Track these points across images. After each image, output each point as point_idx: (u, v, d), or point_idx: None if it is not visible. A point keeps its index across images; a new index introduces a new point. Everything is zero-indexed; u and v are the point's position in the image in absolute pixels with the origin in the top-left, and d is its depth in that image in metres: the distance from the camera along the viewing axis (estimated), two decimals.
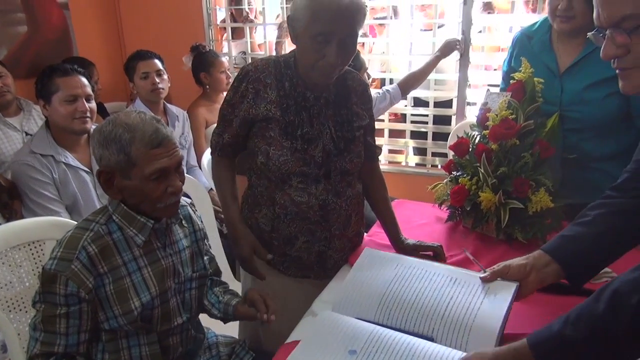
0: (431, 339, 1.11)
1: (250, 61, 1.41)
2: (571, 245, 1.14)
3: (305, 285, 1.50)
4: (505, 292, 1.15)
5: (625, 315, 0.82)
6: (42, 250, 1.51)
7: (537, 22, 1.81)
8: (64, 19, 3.25)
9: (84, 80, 1.99)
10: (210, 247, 1.50)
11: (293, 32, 1.35)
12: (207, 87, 3.05)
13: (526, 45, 1.81)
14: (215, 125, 1.54)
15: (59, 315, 1.17)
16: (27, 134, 2.55)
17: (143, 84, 2.75)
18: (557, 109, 1.66)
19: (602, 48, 0.92)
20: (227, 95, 1.48)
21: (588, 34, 0.99)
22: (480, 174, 1.58)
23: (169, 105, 2.88)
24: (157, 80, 2.74)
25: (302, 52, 1.37)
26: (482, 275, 1.20)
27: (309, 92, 1.42)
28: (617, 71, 0.93)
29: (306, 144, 1.40)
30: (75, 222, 1.58)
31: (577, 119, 1.66)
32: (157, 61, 2.78)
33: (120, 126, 1.18)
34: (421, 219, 1.78)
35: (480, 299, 1.16)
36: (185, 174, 1.51)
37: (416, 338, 1.09)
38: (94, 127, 2.05)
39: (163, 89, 2.77)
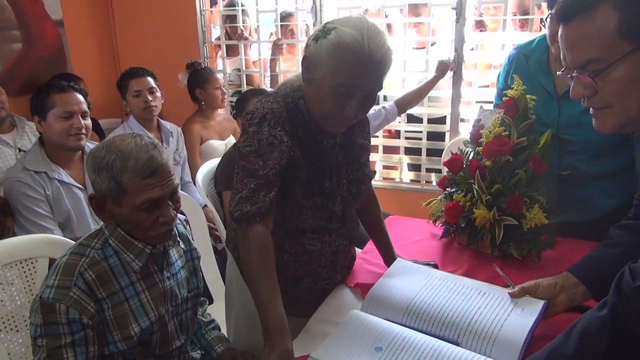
0: (456, 344, 1.13)
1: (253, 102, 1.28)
2: (596, 267, 1.16)
3: (304, 323, 1.38)
4: (534, 308, 1.18)
5: (594, 357, 0.84)
6: (34, 268, 1.50)
7: (534, 40, 1.79)
8: (59, 36, 3.26)
9: (80, 97, 2.00)
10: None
11: (308, 76, 1.20)
12: (203, 103, 3.07)
13: (523, 64, 1.78)
14: (235, 191, 1.21)
15: (64, 345, 1.12)
16: (20, 150, 2.54)
17: (135, 102, 2.74)
18: (555, 130, 1.66)
19: (571, 88, 0.94)
20: (245, 147, 1.20)
21: (558, 72, 1.01)
22: (475, 191, 1.59)
23: (162, 122, 2.88)
24: (150, 98, 2.74)
25: (316, 100, 1.21)
26: (510, 290, 1.23)
27: (322, 138, 1.28)
28: (590, 111, 0.95)
29: (326, 200, 1.29)
30: (68, 240, 1.58)
31: (574, 142, 1.66)
32: (149, 79, 2.78)
33: (114, 152, 1.15)
34: (415, 236, 1.78)
35: (507, 312, 1.19)
36: (179, 191, 1.44)
37: (442, 341, 1.12)
38: (88, 144, 2.05)
39: (156, 106, 2.77)
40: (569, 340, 0.88)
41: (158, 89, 2.80)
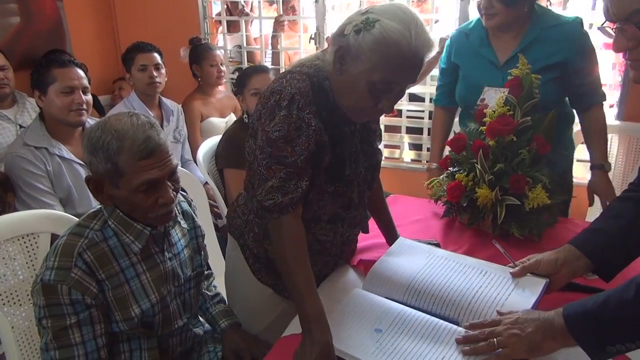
0: (456, 323, 1.14)
1: (285, 79, 1.17)
2: (598, 239, 1.16)
3: None
4: (535, 287, 1.18)
5: None
6: (35, 243, 1.50)
7: (472, 21, 1.98)
8: (57, 10, 3.21)
9: (81, 72, 1.98)
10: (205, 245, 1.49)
11: (342, 66, 1.14)
12: (200, 80, 3.05)
13: (464, 42, 1.96)
14: (261, 178, 1.18)
15: (69, 326, 1.12)
16: (20, 126, 2.53)
17: (140, 76, 2.73)
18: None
19: (613, 41, 0.95)
20: (274, 132, 1.14)
21: (597, 27, 1.03)
22: (477, 170, 1.58)
23: (164, 99, 2.87)
24: (155, 73, 2.73)
25: (348, 91, 1.16)
26: (512, 270, 1.23)
27: (344, 124, 1.24)
28: (627, 62, 0.97)
29: (345, 187, 1.27)
30: (70, 215, 1.58)
31: None
32: (156, 54, 2.76)
33: (109, 133, 1.12)
34: (417, 215, 1.78)
35: (509, 291, 1.19)
36: (180, 168, 1.42)
37: (441, 321, 1.13)
38: (89, 120, 2.04)
39: (160, 82, 2.76)
40: (629, 288, 0.90)
41: (163, 66, 2.79)
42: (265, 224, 1.24)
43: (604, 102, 1.88)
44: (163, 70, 2.79)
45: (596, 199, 1.90)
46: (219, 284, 1.65)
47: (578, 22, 1.79)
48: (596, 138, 1.89)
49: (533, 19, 1.80)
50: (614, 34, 0.95)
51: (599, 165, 1.89)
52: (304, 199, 1.19)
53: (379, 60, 1.08)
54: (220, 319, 1.46)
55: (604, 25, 0.98)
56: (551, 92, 1.77)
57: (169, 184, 1.20)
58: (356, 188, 1.30)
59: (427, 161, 2.79)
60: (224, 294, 1.60)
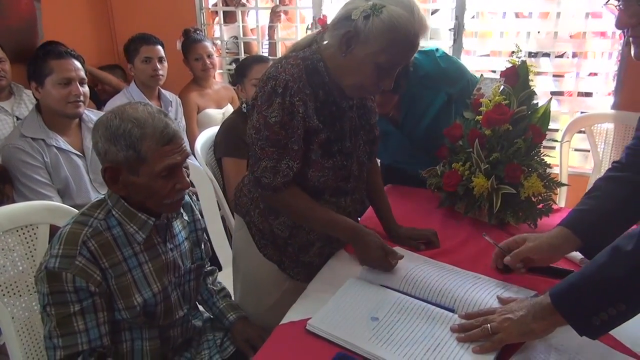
0: (452, 310, 1.16)
1: (279, 67, 1.26)
2: (590, 218, 1.18)
3: None
4: (527, 294, 1.20)
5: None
6: (34, 234, 1.50)
7: None
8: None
9: (78, 63, 1.97)
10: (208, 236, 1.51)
11: (347, 49, 1.22)
12: (191, 72, 3.03)
13: None
14: (255, 156, 1.29)
15: (73, 313, 1.13)
16: (17, 118, 2.52)
17: (144, 68, 2.73)
18: None
19: (616, 18, 0.98)
20: (272, 117, 1.23)
21: (602, 5, 1.08)
22: (473, 160, 1.59)
23: (163, 91, 2.87)
24: (159, 66, 2.74)
25: (352, 72, 1.25)
26: (506, 259, 1.24)
27: (341, 99, 1.33)
28: (630, 39, 1.01)
29: (345, 160, 1.35)
30: (69, 207, 1.58)
31: None
32: (160, 47, 2.78)
33: (129, 121, 1.14)
34: (414, 204, 1.79)
35: (503, 290, 1.22)
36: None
37: (437, 308, 1.15)
38: (86, 111, 2.03)
39: (163, 75, 2.78)
40: (604, 253, 0.93)
41: (165, 59, 2.80)
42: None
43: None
44: (165, 64, 2.81)
45: None
46: (228, 275, 1.66)
47: (433, 58, 1.76)
48: None
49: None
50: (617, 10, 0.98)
51: None
52: (303, 176, 1.29)
53: (387, 43, 1.19)
54: (228, 312, 1.49)
55: (607, 3, 1.00)
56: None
57: (184, 169, 1.23)
58: (356, 160, 1.38)
59: None
60: (229, 285, 1.62)
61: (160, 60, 2.77)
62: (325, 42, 1.30)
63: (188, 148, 1.24)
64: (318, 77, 1.28)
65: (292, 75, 1.23)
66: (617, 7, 0.98)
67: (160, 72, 2.75)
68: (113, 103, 2.66)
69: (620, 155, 1.24)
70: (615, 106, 2.67)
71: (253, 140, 1.27)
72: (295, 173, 1.27)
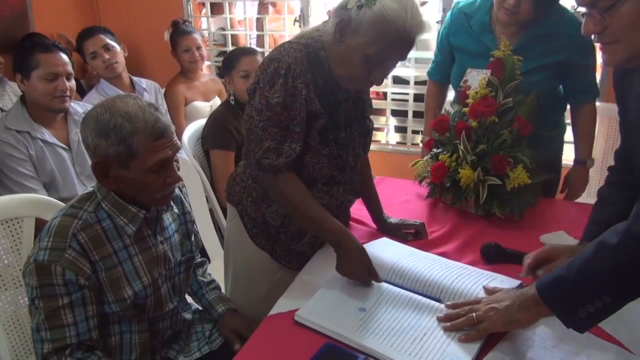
0: (438, 300, 1.17)
1: (281, 49, 1.28)
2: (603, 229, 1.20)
3: None
4: (512, 283, 1.22)
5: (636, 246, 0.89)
6: (20, 227, 1.49)
7: (476, 1, 1.86)
8: None
9: (65, 57, 1.94)
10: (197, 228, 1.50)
11: (341, 37, 1.23)
12: (179, 64, 2.99)
13: (464, 24, 1.87)
14: (257, 138, 1.27)
15: (62, 306, 1.12)
16: (2, 110, 2.49)
17: (95, 64, 2.65)
18: None
19: (582, 24, 0.99)
20: (274, 98, 1.24)
21: (571, 9, 1.06)
22: (460, 151, 1.60)
23: (135, 79, 2.79)
24: (107, 56, 2.62)
25: (344, 62, 1.26)
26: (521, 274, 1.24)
27: (338, 90, 1.33)
28: (599, 46, 1.02)
29: (341, 150, 1.36)
30: (54, 200, 1.57)
31: None
32: (102, 36, 2.64)
33: (120, 115, 1.13)
34: (402, 196, 1.80)
35: (489, 279, 1.23)
36: None
37: (424, 298, 1.17)
38: (72, 104, 2.01)
39: (117, 62, 2.65)
40: (590, 246, 0.94)
41: (117, 44, 2.68)
42: (264, 187, 1.36)
43: (596, 98, 1.89)
44: (117, 48, 2.67)
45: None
46: (216, 268, 1.66)
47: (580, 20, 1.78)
48: (585, 134, 1.92)
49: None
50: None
51: (582, 161, 1.93)
52: (300, 161, 1.29)
53: (375, 35, 1.19)
54: (217, 304, 1.48)
55: (576, 9, 1.02)
56: (548, 89, 1.78)
57: (174, 163, 1.23)
58: (351, 151, 1.39)
59: (421, 132, 2.84)
60: (220, 277, 1.62)
61: (107, 47, 2.62)
62: (326, 30, 1.30)
63: (179, 142, 1.23)
64: (319, 65, 1.28)
65: (295, 58, 1.24)
66: (583, 14, 0.99)
67: (112, 60, 2.62)
68: (88, 101, 2.56)
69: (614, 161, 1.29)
70: (600, 98, 2.69)
71: (254, 123, 1.27)
72: (298, 156, 1.27)
